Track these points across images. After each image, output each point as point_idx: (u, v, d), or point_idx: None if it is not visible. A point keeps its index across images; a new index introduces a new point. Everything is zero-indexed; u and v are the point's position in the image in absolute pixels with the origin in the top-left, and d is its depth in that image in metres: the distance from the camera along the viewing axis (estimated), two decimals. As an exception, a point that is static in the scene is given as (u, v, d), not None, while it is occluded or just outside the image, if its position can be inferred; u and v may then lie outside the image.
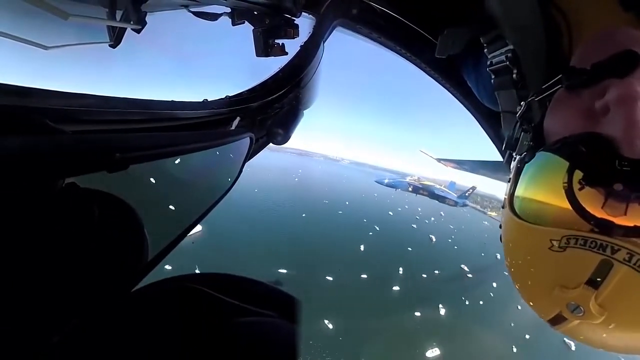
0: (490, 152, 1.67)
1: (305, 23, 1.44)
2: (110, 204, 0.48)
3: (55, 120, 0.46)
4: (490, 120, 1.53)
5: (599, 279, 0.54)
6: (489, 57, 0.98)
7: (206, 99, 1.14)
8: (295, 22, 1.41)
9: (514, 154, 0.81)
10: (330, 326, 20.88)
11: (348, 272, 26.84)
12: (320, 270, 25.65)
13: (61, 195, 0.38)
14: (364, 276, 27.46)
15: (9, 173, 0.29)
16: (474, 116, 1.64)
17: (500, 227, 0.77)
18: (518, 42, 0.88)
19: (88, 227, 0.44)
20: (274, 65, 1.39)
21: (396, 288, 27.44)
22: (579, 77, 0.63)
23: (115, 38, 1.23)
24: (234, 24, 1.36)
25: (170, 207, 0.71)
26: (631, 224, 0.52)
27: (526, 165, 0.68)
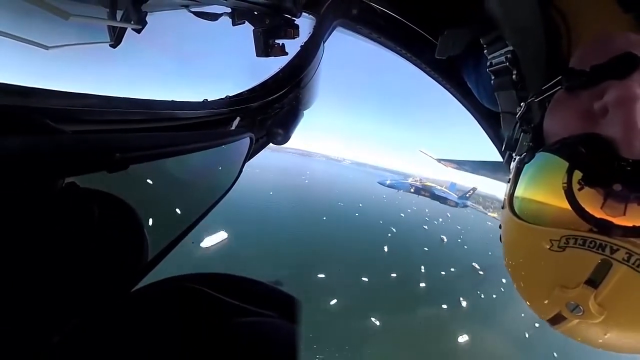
0: (490, 153, 1.67)
1: (305, 23, 1.44)
2: (110, 204, 0.48)
3: (56, 120, 0.46)
4: (490, 121, 1.53)
5: (598, 279, 0.54)
6: (488, 58, 0.99)
7: (206, 99, 1.14)
8: (295, 22, 1.41)
9: (513, 154, 0.81)
10: (377, 323, 22.59)
11: (379, 273, 28.28)
12: (355, 272, 26.83)
13: (61, 195, 0.38)
14: (394, 275, 28.99)
15: (9, 173, 0.29)
16: (474, 116, 1.64)
17: (500, 227, 0.78)
18: (518, 43, 0.88)
19: (88, 227, 0.44)
20: (274, 65, 1.39)
21: (422, 285, 29.19)
22: (578, 78, 0.64)
23: (116, 38, 1.23)
24: (234, 24, 1.36)
25: (170, 207, 0.71)
26: (630, 224, 0.52)
27: (526, 165, 0.68)
